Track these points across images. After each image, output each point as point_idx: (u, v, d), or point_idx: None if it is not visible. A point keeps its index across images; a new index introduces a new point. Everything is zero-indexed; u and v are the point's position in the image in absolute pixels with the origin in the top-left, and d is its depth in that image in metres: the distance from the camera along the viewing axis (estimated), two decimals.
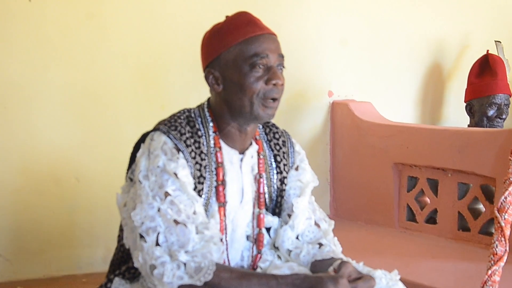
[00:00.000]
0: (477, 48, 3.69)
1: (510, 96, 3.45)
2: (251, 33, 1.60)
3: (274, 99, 1.60)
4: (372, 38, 3.55)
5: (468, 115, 3.52)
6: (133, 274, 1.63)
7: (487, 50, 3.50)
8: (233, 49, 1.59)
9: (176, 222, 1.50)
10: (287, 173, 1.77)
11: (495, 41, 3.67)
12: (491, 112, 3.40)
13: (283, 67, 1.64)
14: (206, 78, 1.63)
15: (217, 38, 1.61)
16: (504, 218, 2.01)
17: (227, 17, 1.67)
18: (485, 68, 3.47)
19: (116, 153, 2.84)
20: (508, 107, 3.44)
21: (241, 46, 1.59)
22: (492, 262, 2.02)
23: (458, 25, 3.82)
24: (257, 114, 1.60)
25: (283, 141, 1.78)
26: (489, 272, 2.00)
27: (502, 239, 2.02)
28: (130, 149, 1.69)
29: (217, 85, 1.62)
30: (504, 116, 3.38)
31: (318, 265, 1.66)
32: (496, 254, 2.02)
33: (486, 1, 3.90)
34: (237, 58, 1.59)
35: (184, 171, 1.55)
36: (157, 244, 1.49)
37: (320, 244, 1.72)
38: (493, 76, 3.40)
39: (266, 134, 1.78)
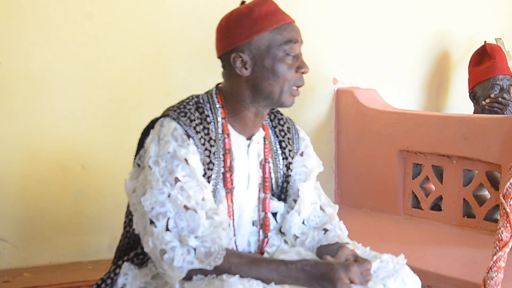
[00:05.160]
0: (486, 37, 3.66)
1: None
2: (283, 21, 1.62)
3: (298, 87, 1.64)
4: (377, 25, 3.54)
5: (473, 102, 3.50)
6: (141, 260, 1.64)
7: (485, 41, 3.49)
8: (267, 35, 1.60)
9: (186, 207, 1.51)
10: (292, 158, 1.78)
11: (495, 38, 3.69)
12: (494, 93, 3.37)
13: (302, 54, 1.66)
14: (233, 61, 1.62)
15: (249, 22, 1.60)
16: (510, 204, 2.01)
17: (243, 2, 1.67)
18: (484, 56, 3.45)
19: (122, 141, 2.86)
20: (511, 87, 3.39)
21: (275, 33, 1.60)
22: (498, 248, 2.01)
23: (466, 14, 3.79)
24: (284, 100, 1.63)
25: (288, 128, 1.80)
26: (495, 258, 2.00)
27: (508, 225, 2.01)
28: (136, 137, 1.69)
29: (245, 69, 1.62)
30: (506, 96, 3.34)
31: (323, 250, 1.67)
32: (502, 240, 2.02)
33: None
34: (271, 44, 1.60)
35: (194, 157, 1.55)
36: (167, 229, 1.50)
37: (325, 230, 1.73)
38: (491, 60, 3.38)
39: (271, 120, 1.79)
